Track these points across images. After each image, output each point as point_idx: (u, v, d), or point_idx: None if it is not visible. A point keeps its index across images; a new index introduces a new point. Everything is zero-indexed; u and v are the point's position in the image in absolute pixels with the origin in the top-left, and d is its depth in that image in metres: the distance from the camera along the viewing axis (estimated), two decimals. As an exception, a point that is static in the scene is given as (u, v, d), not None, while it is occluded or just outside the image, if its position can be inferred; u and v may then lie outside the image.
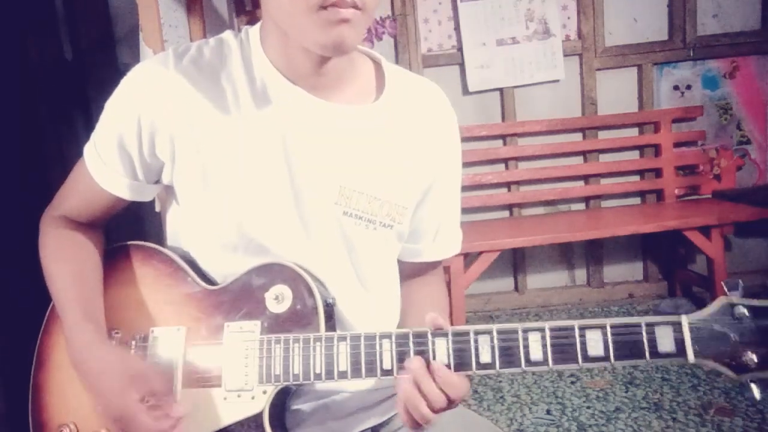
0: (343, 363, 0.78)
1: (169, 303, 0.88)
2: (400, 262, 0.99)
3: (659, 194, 3.06)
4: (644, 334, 0.70)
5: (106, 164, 0.88)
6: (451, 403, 0.77)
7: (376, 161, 0.88)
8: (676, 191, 3.04)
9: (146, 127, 0.84)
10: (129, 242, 0.95)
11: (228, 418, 0.81)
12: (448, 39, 3.01)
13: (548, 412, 2.16)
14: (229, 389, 0.82)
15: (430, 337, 0.76)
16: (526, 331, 0.73)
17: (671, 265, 3.11)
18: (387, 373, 0.77)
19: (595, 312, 2.98)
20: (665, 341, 0.69)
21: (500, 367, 0.73)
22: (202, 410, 0.83)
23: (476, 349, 0.74)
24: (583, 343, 0.71)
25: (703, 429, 1.98)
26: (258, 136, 0.84)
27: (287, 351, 0.80)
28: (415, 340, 0.76)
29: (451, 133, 0.96)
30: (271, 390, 0.80)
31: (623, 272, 3.17)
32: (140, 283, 0.91)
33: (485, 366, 0.74)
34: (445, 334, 0.75)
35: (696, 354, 0.68)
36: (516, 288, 3.16)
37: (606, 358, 0.71)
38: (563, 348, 0.72)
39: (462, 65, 2.99)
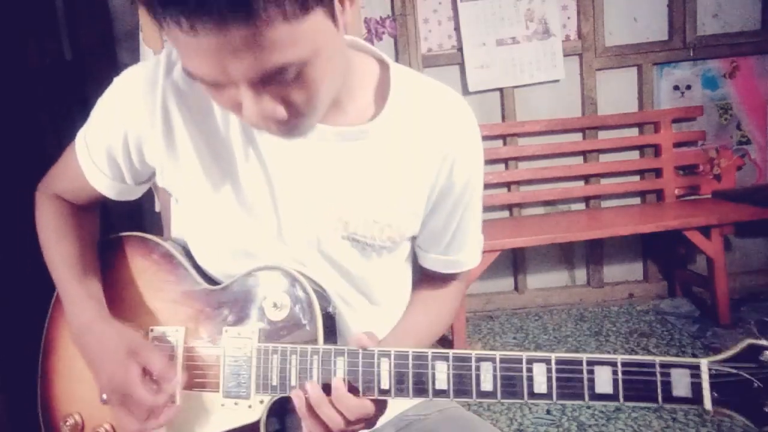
0: None
1: (169, 301, 0.88)
2: (419, 265, 0.98)
3: (659, 194, 3.06)
4: (658, 375, 0.65)
5: (94, 163, 0.88)
6: (352, 424, 0.75)
7: (373, 184, 0.83)
8: (676, 191, 3.04)
9: (133, 140, 0.83)
10: (128, 233, 0.94)
11: (225, 425, 0.82)
12: (448, 39, 3.00)
13: (548, 412, 2.16)
14: (226, 396, 0.82)
15: (429, 359, 0.72)
16: (530, 361, 0.69)
17: (671, 265, 3.10)
18: (384, 393, 0.74)
19: (595, 312, 2.98)
20: (681, 385, 0.64)
21: (502, 397, 0.70)
22: (200, 415, 0.83)
23: (477, 376, 0.71)
24: (591, 380, 0.67)
25: (703, 429, 1.98)
26: (243, 161, 0.82)
27: (284, 362, 0.79)
28: (414, 362, 0.73)
29: (460, 147, 0.86)
30: (268, 400, 0.80)
31: (623, 272, 3.17)
32: (139, 279, 0.91)
33: (486, 394, 0.70)
34: (446, 358, 0.72)
35: (714, 401, 0.63)
36: (516, 288, 3.16)
37: (614, 397, 0.66)
38: (569, 383, 0.67)
39: (462, 65, 2.98)
